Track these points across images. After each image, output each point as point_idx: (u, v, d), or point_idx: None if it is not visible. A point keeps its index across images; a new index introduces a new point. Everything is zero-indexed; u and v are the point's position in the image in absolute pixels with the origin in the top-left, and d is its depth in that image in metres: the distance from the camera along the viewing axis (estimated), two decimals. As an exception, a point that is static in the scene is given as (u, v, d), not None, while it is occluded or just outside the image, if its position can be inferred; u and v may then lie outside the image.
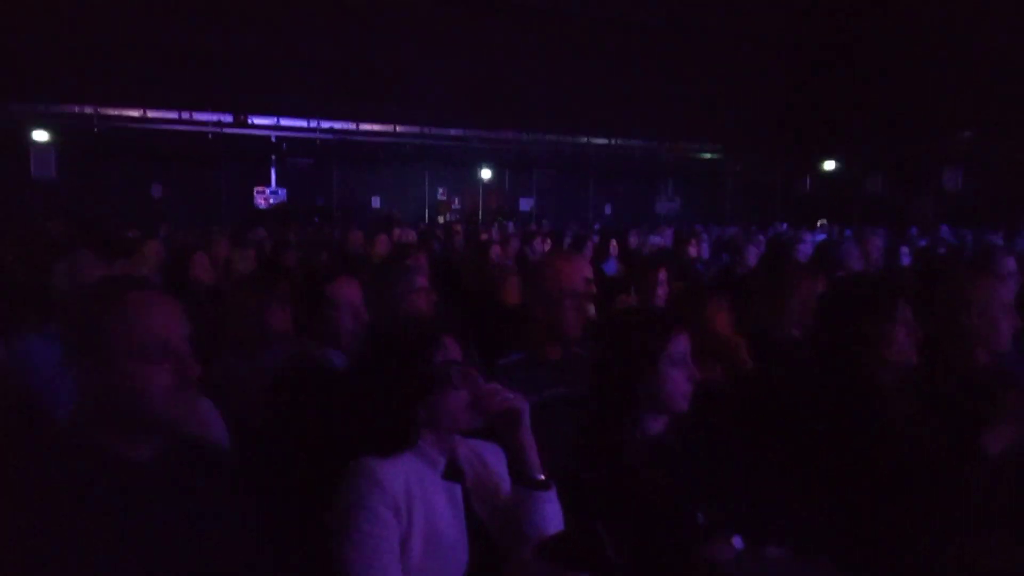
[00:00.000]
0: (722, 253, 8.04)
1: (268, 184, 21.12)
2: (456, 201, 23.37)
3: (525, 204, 23.81)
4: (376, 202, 21.80)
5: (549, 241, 8.24)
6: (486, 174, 23.56)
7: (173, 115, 20.09)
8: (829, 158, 25.29)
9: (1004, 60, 19.73)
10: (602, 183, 24.96)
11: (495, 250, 5.47)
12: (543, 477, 1.69)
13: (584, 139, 24.17)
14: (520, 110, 22.85)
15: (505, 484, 1.76)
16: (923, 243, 8.96)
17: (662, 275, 3.94)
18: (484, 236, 8.44)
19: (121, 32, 18.38)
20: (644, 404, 1.91)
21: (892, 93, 22.56)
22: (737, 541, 1.75)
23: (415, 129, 21.96)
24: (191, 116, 20.27)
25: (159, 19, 18.92)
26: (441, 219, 21.30)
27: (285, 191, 20.87)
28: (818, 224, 15.74)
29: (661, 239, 7.95)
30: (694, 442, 2.01)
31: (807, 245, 6.60)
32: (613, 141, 24.81)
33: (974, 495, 2.07)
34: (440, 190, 23.07)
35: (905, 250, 6.62)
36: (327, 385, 2.25)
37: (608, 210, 24.61)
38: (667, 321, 1.94)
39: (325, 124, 20.98)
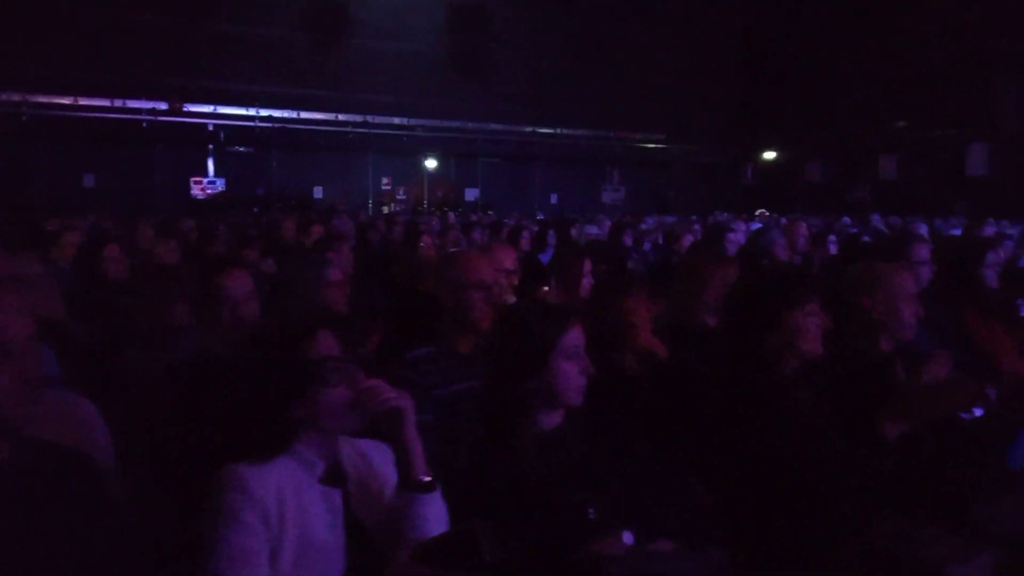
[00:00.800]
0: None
1: (205, 174, 20.60)
2: (401, 191, 23.13)
3: (471, 194, 23.69)
4: (319, 192, 21.45)
5: (488, 232, 8.17)
6: (431, 164, 23.37)
7: (105, 103, 19.46)
8: (770, 148, 25.73)
9: (936, 50, 20.28)
10: (549, 172, 24.95)
11: (425, 240, 5.39)
12: (428, 478, 1.63)
13: (530, 128, 24.15)
14: (466, 100, 22.72)
15: (391, 485, 1.69)
16: (853, 231, 9.12)
17: (586, 266, 3.91)
18: (423, 227, 8.32)
19: (51, 16, 17.69)
20: (537, 399, 1.86)
21: (830, 84, 23.02)
22: (627, 536, 1.72)
23: (358, 118, 21.67)
24: (124, 104, 19.66)
25: (91, 1, 18.28)
26: (386, 209, 21.05)
27: (223, 181, 20.37)
28: (756, 213, 15.95)
29: (598, 229, 7.95)
30: (592, 435, 1.98)
31: (739, 234, 6.67)
32: (559, 131, 24.85)
33: (870, 482, 2.08)
34: (384, 180, 22.81)
35: (833, 239, 6.71)
36: (210, 385, 2.16)
37: (555, 199, 24.64)
38: (561, 314, 1.90)
39: (265, 112, 20.56)
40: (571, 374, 1.86)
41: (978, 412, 3.43)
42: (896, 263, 2.71)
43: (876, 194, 22.12)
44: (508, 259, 3.64)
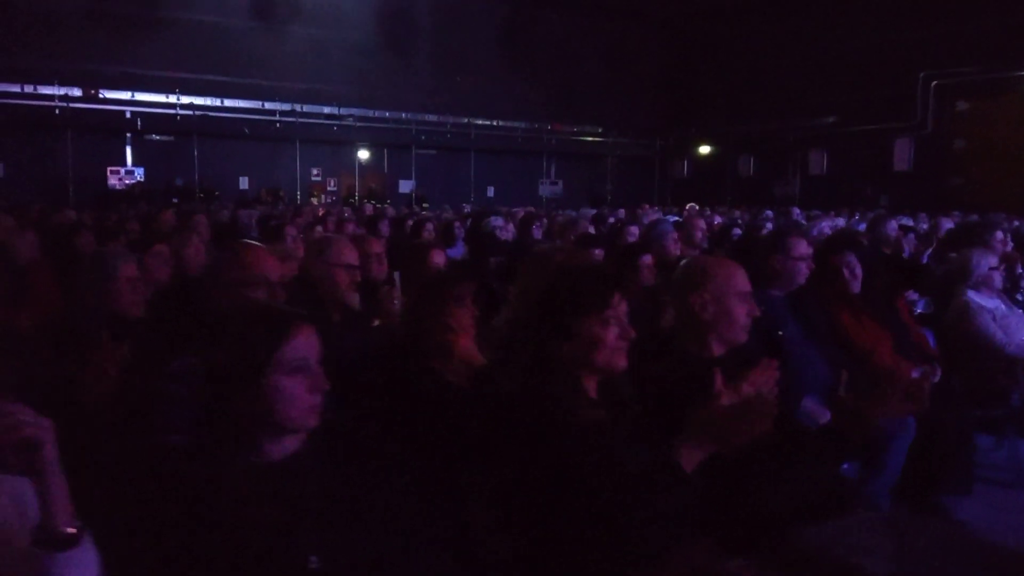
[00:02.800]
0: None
1: (123, 163, 19.73)
2: (332, 182, 22.54)
3: (405, 186, 23.23)
4: (244, 183, 20.75)
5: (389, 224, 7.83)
6: (363, 155, 22.85)
7: (15, 88, 18.46)
8: (704, 142, 25.85)
9: (864, 47, 20.54)
10: (485, 165, 24.63)
11: (290, 232, 5.02)
12: (71, 530, 1.30)
13: (466, 120, 23.78)
14: (400, 90, 22.24)
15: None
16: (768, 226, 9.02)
17: (436, 257, 3.62)
18: (300, 220, 7.96)
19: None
20: (256, 423, 1.55)
21: (761, 79, 23.19)
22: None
23: (286, 106, 21.03)
24: (35, 89, 18.69)
25: (-6, -20, 17.30)
26: (315, 200, 20.49)
27: (142, 171, 19.54)
28: (686, 207, 15.88)
29: (503, 222, 7.67)
30: (344, 463, 1.67)
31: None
32: (495, 123, 24.54)
33: (671, 508, 1.81)
34: (314, 171, 22.19)
35: (738, 232, 6.55)
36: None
37: (491, 193, 24.33)
38: (281, 319, 1.58)
39: (186, 99, 19.78)
40: (296, 393, 1.55)
41: (823, 417, 3.24)
42: (722, 260, 2.44)
43: (806, 189, 22.39)
44: (350, 253, 3.33)
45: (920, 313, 4.92)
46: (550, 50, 24.49)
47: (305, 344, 1.57)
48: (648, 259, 4.47)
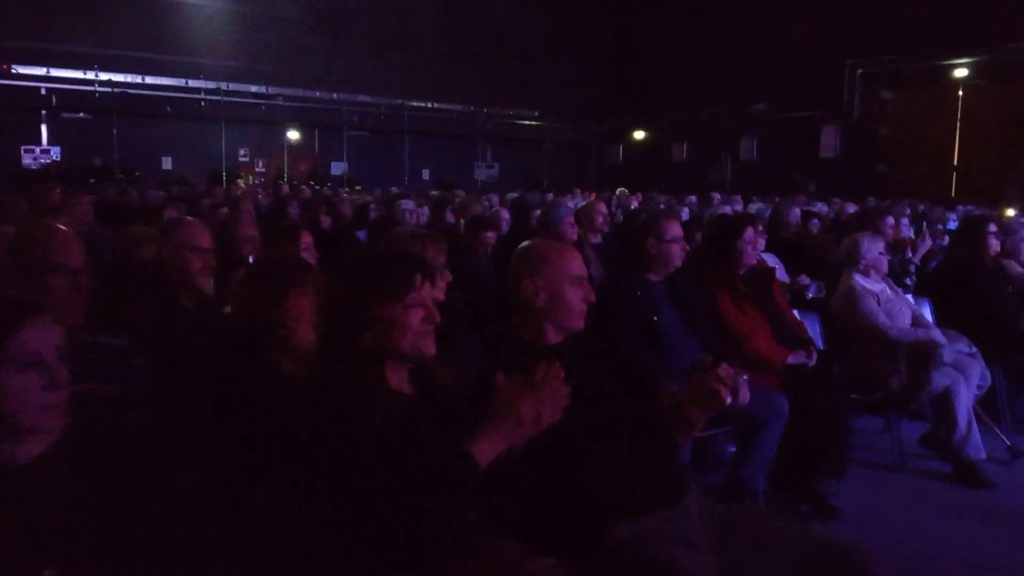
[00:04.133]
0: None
1: (39, 142, 18.86)
2: (260, 163, 21.96)
3: (338, 168, 22.77)
4: (167, 163, 20.05)
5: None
6: (293, 135, 22.30)
7: (-81, 62, 17.51)
8: (639, 128, 25.97)
9: (793, 35, 20.83)
10: (420, 148, 24.28)
11: (168, 212, 4.79)
12: None
13: (400, 101, 23.39)
14: (332, 69, 21.73)
15: None
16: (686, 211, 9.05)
17: (306, 239, 3.47)
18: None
19: None
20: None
21: (695, 66, 23.36)
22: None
23: (211, 84, 20.35)
24: (-59, 64, 17.75)
25: None
26: (241, 183, 19.92)
27: (59, 150, 18.71)
28: (616, 192, 15.90)
29: (414, 204, 7.50)
30: (92, 468, 1.52)
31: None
32: (431, 105, 24.20)
33: (450, 506, 1.70)
34: (242, 151, 21.56)
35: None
36: None
37: (426, 175, 24.04)
38: (7, 309, 1.42)
39: (104, 76, 18.97)
40: (28, 391, 1.39)
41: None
42: (556, 243, 2.34)
43: (737, 174, 22.68)
44: (201, 236, 3.16)
45: (812, 297, 4.94)
46: (488, 33, 24.24)
47: (38, 337, 1.42)
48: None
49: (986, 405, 4.68)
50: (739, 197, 12.77)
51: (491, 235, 4.70)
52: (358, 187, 19.83)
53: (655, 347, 3.52)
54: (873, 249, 4.49)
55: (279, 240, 3.49)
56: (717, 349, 3.60)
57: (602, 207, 5.65)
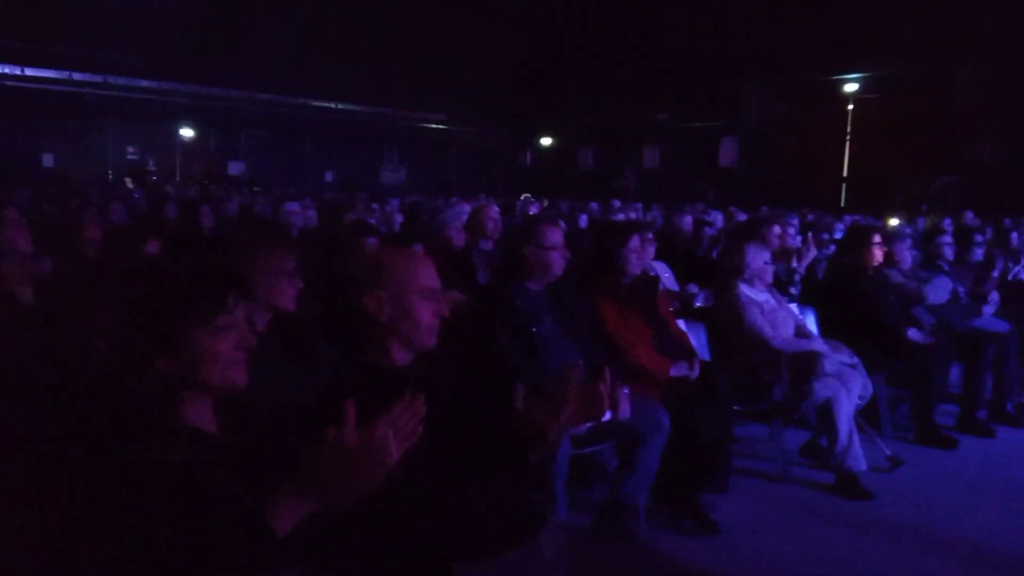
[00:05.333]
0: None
1: (-100, 136, 17.44)
2: (151, 162, 20.91)
3: (235, 167, 21.92)
4: (49, 160, 18.84)
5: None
6: (187, 133, 21.34)
7: None
8: (546, 134, 26.09)
9: (694, 47, 21.33)
10: (323, 148, 23.67)
11: (9, 214, 4.35)
12: None
13: (302, 100, 22.72)
14: (231, 65, 20.89)
15: None
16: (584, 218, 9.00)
17: (151, 245, 3.15)
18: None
19: None
20: None
21: (601, 74, 23.63)
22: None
23: (97, 78, 19.22)
24: None
25: None
26: (129, 182, 18.90)
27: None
28: (521, 197, 15.85)
29: (299, 207, 7.15)
30: None
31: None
32: (335, 105, 23.60)
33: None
34: (130, 149, 20.48)
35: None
36: None
37: (330, 177, 23.43)
38: None
39: (-24, 66, 17.70)
40: None
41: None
42: (408, 249, 2.13)
43: (641, 182, 23.06)
44: (19, 239, 2.80)
45: (700, 307, 4.89)
46: (396, 33, 23.83)
47: None
48: (418, 249, 4.20)
49: (869, 414, 4.73)
50: (640, 204, 12.92)
51: (372, 241, 4.44)
52: (256, 188, 19.13)
53: (534, 358, 3.36)
54: (758, 259, 4.46)
55: (120, 244, 3.15)
56: (599, 359, 3.47)
57: (493, 212, 5.47)
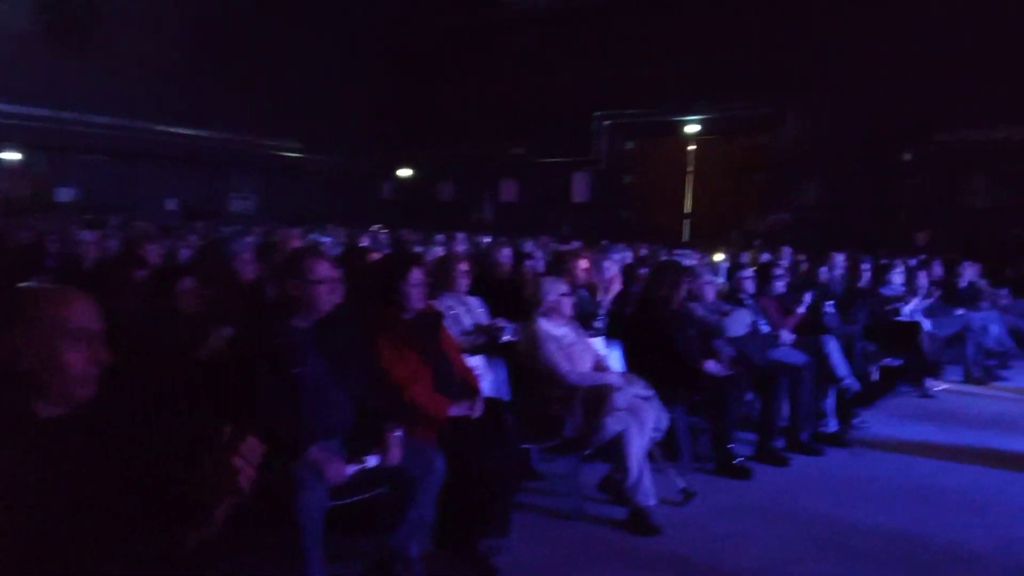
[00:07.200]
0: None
1: None
2: (-34, 186, 19.15)
3: (65, 194, 20.39)
4: None
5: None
6: (10, 156, 19.70)
7: None
8: (406, 165, 25.94)
9: (548, 83, 21.85)
10: (165, 174, 22.43)
11: None
12: None
13: (143, 125, 21.50)
14: (61, 84, 19.50)
15: None
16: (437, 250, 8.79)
17: None
18: None
19: None
20: None
21: (460, 108, 23.79)
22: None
23: (-98, 93, 17.48)
24: None
25: None
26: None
27: None
28: (372, 228, 15.56)
29: (94, 237, 6.60)
30: None
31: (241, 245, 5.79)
32: (178, 129, 22.48)
33: None
34: (-58, 171, 18.70)
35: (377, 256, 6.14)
36: None
37: (171, 205, 22.20)
38: None
39: None
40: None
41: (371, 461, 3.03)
42: (63, 288, 1.85)
43: (499, 215, 23.26)
44: None
45: (506, 340, 4.80)
46: (253, 56, 23.03)
47: None
48: (188, 283, 3.90)
49: (670, 445, 4.77)
50: (491, 238, 12.91)
51: (186, 283, 4.03)
52: (87, 215, 17.82)
53: (295, 403, 3.11)
54: (553, 291, 4.43)
55: None
56: (371, 400, 3.28)
57: (296, 241, 5.20)
